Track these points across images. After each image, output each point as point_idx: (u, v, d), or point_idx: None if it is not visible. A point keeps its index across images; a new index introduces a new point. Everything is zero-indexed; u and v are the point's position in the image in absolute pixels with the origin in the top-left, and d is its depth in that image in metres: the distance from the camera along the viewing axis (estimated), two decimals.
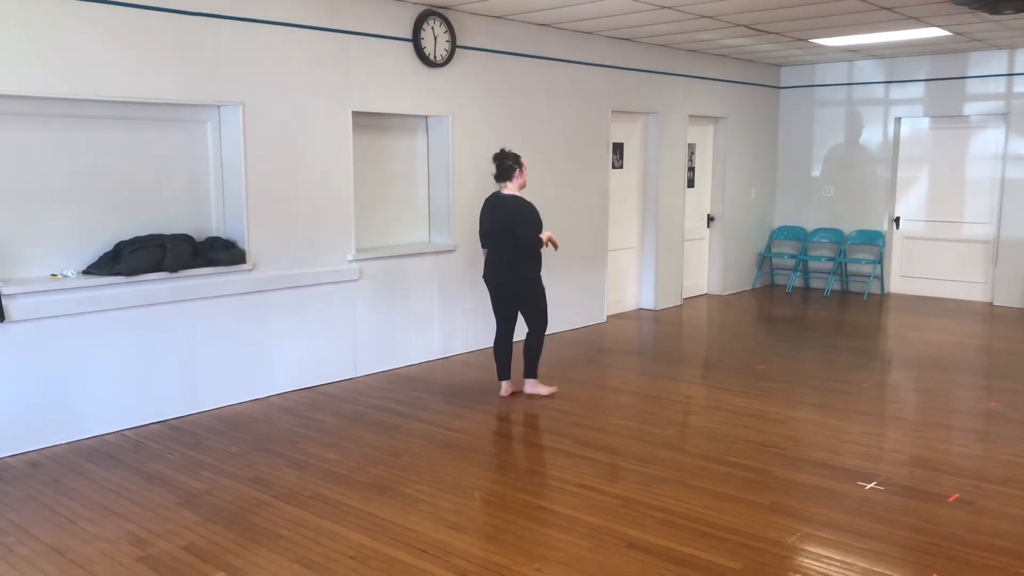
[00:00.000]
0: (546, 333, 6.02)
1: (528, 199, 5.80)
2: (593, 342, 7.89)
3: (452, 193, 7.04)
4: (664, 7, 6.69)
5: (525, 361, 6.02)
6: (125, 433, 5.18)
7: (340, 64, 6.13)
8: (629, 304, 9.40)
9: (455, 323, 7.20)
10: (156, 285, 5.26)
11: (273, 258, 5.88)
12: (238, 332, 5.75)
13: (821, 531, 3.81)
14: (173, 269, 5.27)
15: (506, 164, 5.78)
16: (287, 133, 5.87)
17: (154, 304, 5.29)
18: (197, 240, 5.58)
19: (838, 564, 3.50)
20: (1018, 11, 6.24)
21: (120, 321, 5.17)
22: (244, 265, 5.67)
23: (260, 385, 5.93)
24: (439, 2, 6.52)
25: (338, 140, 6.18)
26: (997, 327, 8.67)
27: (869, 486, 4.32)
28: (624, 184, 9.09)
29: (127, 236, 5.31)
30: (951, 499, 4.15)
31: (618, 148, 8.94)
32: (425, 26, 6.58)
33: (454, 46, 6.82)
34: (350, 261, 6.33)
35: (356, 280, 6.39)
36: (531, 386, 6.02)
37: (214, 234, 5.75)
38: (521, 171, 5.82)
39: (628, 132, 9.07)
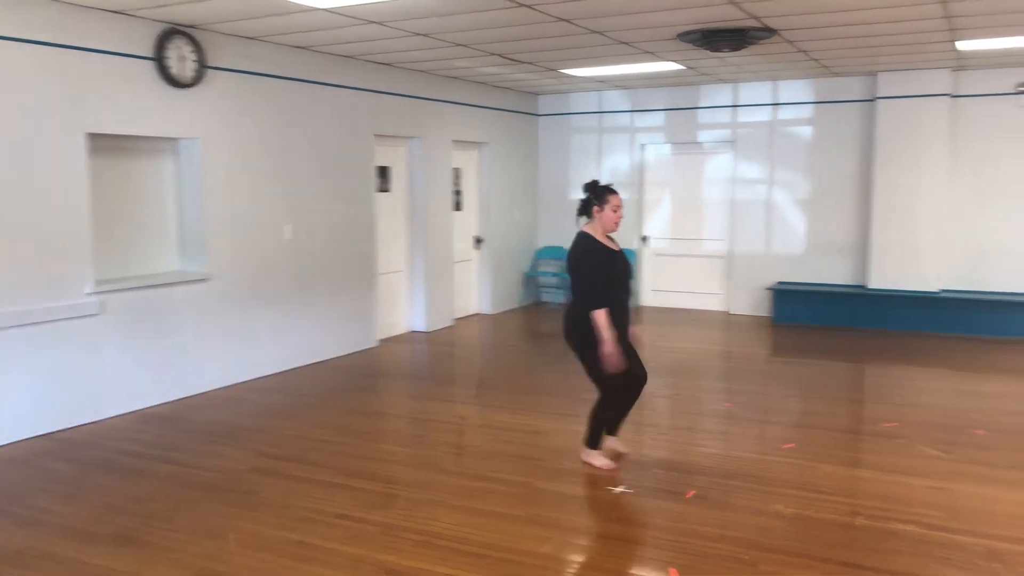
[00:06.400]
0: (607, 402, 4.90)
1: (588, 240, 4.75)
2: (363, 367, 7.81)
3: (205, 219, 6.71)
4: (417, 34, 6.80)
5: (588, 431, 5.01)
6: None
7: (72, 83, 5.67)
8: (400, 327, 9.40)
9: (213, 356, 6.84)
10: None
11: None
12: None
13: (573, 538, 3.99)
14: None
15: (585, 199, 4.80)
16: (9, 156, 5.33)
17: None
18: None
19: (587, 568, 3.68)
20: (734, 50, 6.96)
21: None
22: None
23: None
24: (184, 20, 6.22)
25: (71, 164, 5.69)
26: (733, 334, 9.54)
27: (618, 490, 4.58)
28: (391, 207, 9.10)
29: None
30: (688, 496, 4.49)
31: (384, 172, 8.95)
32: (169, 45, 6.25)
33: (203, 66, 6.52)
34: (89, 294, 5.83)
35: (97, 314, 5.90)
36: (585, 455, 5.02)
37: None
38: (601, 209, 4.71)
39: (393, 156, 9.11)
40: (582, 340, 4.73)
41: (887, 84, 9.36)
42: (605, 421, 4.91)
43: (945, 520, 4.15)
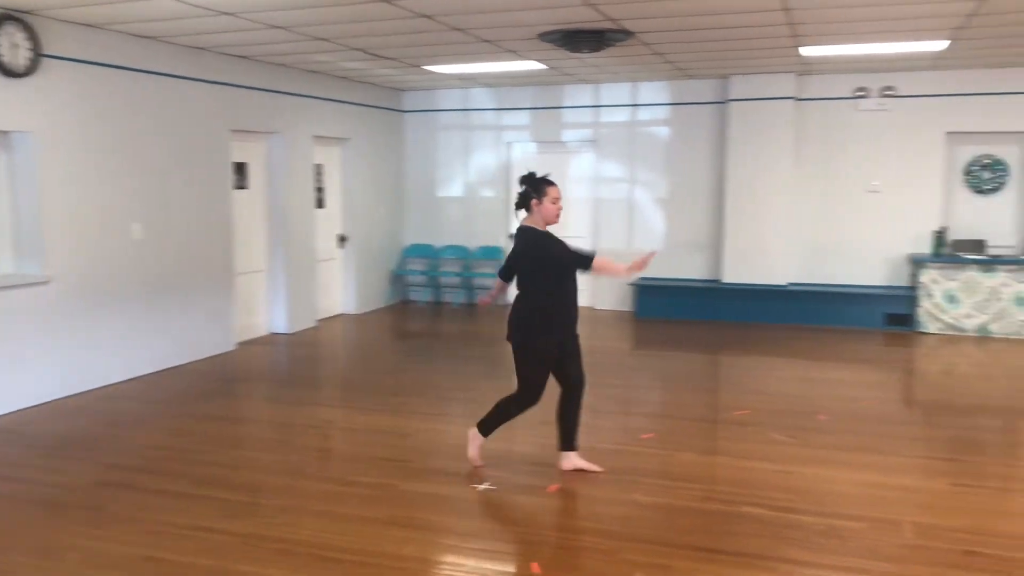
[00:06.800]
0: (519, 401, 4.74)
1: (535, 231, 4.61)
2: (221, 372, 7.52)
3: (42, 219, 6.28)
4: (274, 27, 6.60)
5: (488, 415, 4.84)
6: None
7: None
8: (261, 329, 9.11)
9: (56, 363, 6.41)
10: None
11: None
12: None
13: (437, 537, 3.97)
14: None
15: (523, 192, 4.61)
16: None
17: None
18: None
19: (449, 567, 3.67)
20: (593, 51, 7.11)
21: None
22: None
23: None
24: (16, 5, 5.80)
25: None
26: (597, 329, 9.76)
27: (482, 487, 4.59)
28: (249, 205, 8.80)
29: None
30: (551, 490, 4.56)
31: (241, 168, 8.64)
32: (0, 31, 5.81)
33: (38, 55, 6.10)
34: None
35: None
36: (473, 435, 4.91)
37: None
38: (540, 202, 4.54)
39: (251, 152, 8.81)
40: (523, 336, 4.62)
41: (737, 87, 9.81)
42: (508, 416, 4.76)
43: (790, 501, 4.38)
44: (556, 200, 4.57)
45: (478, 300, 4.77)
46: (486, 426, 4.84)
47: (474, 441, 4.88)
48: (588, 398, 6.55)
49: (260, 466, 5.06)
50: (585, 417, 6.07)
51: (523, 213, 4.67)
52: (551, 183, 4.60)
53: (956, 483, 4.71)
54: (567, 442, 4.85)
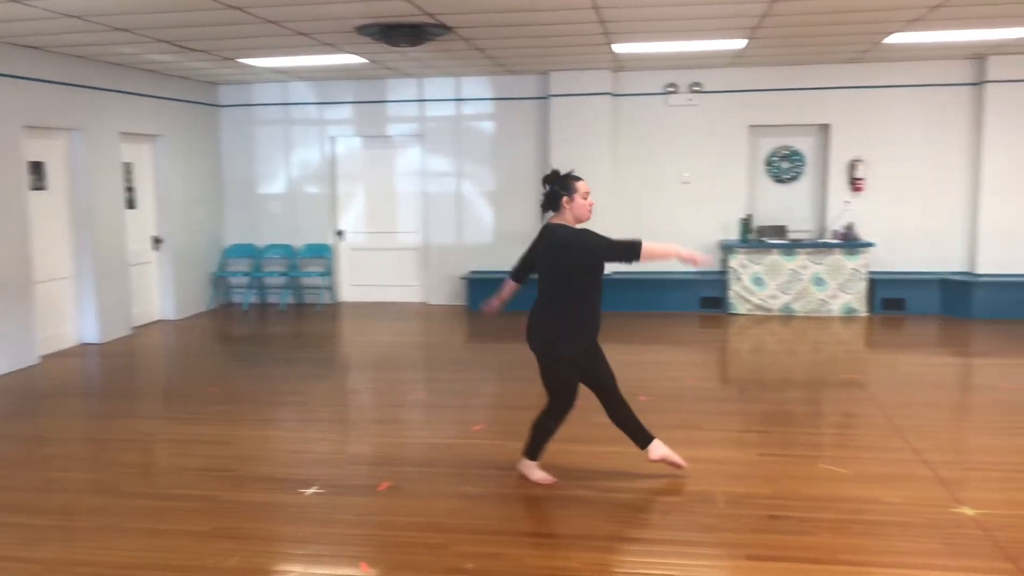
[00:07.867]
0: (554, 412, 4.52)
1: (568, 227, 4.32)
2: (22, 388, 6.93)
3: None
4: (68, 16, 6.14)
5: (529, 441, 4.59)
6: None
7: None
8: (69, 340, 8.48)
9: None
10: None
11: None
12: None
13: (263, 546, 3.84)
14: None
15: (550, 191, 4.32)
16: None
17: None
18: None
19: (276, 575, 3.56)
20: (412, 45, 7.09)
21: None
22: None
23: None
24: None
25: None
26: (430, 324, 9.77)
27: (310, 491, 4.48)
28: (49, 207, 8.16)
29: None
30: (381, 488, 4.52)
31: (37, 168, 7.99)
32: None
33: None
34: None
35: None
36: (523, 467, 4.62)
37: None
38: (571, 199, 4.28)
39: (49, 150, 8.16)
40: (547, 343, 4.43)
41: (558, 83, 10.06)
42: (548, 432, 4.51)
43: (614, 481, 4.56)
44: (587, 195, 4.32)
45: (483, 307, 4.57)
46: (532, 451, 4.58)
47: (530, 470, 4.59)
48: (423, 393, 6.58)
49: (70, 487, 4.72)
50: (419, 413, 6.10)
51: (549, 213, 4.41)
52: (578, 178, 4.35)
53: (764, 453, 5.05)
54: (642, 439, 4.63)
